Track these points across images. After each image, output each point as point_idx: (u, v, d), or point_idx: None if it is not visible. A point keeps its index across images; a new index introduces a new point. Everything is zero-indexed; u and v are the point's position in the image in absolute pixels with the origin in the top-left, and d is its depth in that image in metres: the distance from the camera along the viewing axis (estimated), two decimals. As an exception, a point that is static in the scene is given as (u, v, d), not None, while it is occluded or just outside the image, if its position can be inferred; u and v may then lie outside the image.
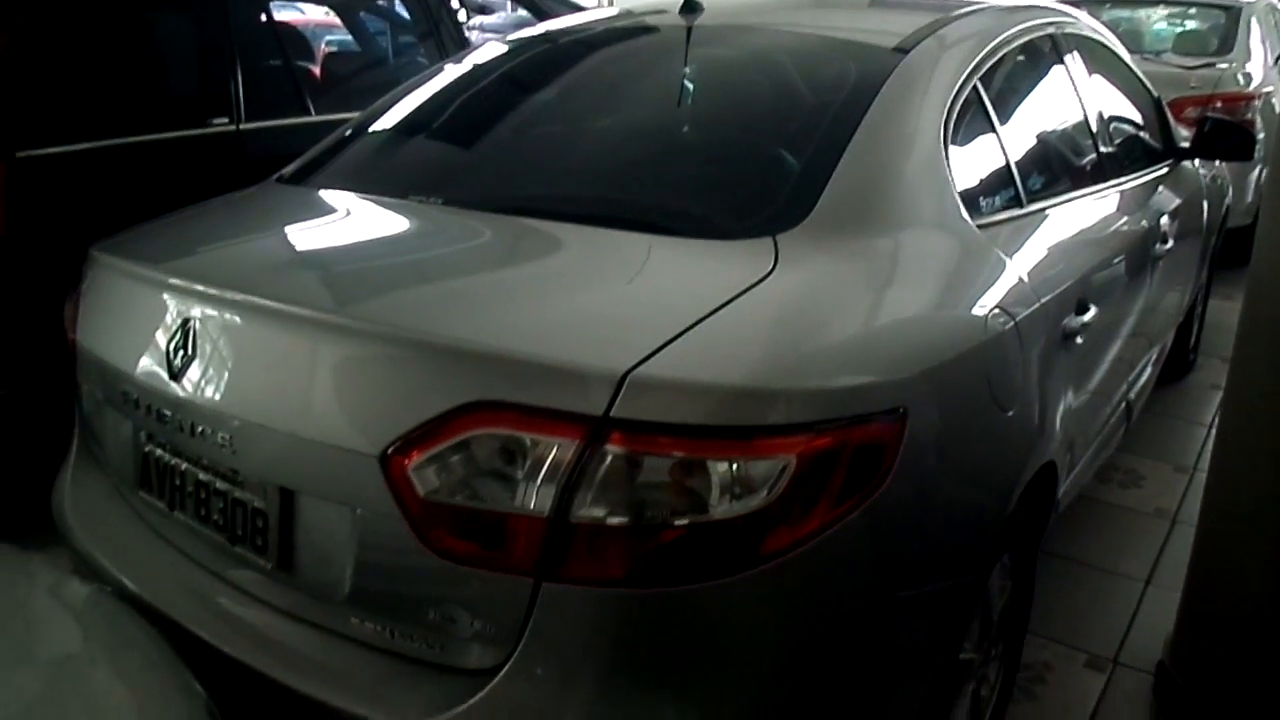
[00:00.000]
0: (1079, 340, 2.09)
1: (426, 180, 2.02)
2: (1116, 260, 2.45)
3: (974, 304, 1.70)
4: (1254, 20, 5.62)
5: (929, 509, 1.51)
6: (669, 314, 1.34)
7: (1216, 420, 3.93)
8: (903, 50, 1.99)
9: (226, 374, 1.51)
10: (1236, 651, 2.19)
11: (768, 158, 1.85)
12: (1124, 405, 2.91)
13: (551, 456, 1.23)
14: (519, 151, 2.12)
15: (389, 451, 1.30)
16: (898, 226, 1.69)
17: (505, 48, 2.57)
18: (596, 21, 2.67)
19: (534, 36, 2.60)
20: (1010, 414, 1.73)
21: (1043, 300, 1.90)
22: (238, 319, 1.53)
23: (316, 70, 4.22)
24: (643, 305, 1.43)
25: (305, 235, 1.86)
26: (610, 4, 8.51)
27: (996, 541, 1.75)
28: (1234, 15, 5.58)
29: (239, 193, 2.19)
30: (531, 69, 2.45)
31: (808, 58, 2.17)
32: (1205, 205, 3.73)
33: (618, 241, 1.64)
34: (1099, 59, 2.90)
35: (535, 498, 1.24)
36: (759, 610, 1.30)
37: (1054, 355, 1.97)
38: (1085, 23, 2.87)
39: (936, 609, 1.61)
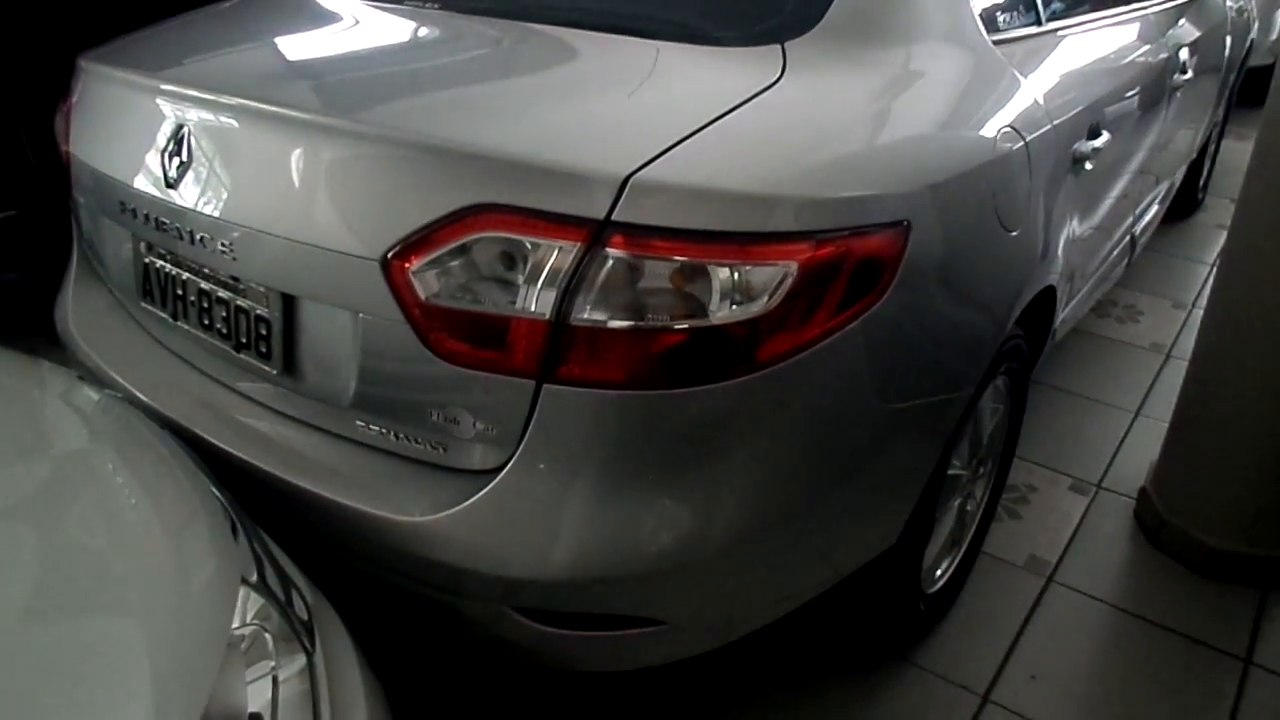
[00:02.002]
0: (1088, 166, 2.06)
1: None
2: (1133, 88, 2.39)
3: (984, 121, 1.66)
4: None
5: (926, 324, 1.53)
6: (673, 120, 1.32)
7: (1216, 259, 3.95)
8: None
9: (225, 181, 1.50)
10: (1215, 477, 2.25)
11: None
12: (1128, 239, 2.90)
13: (552, 259, 1.23)
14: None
15: (390, 255, 1.30)
16: (910, 38, 1.63)
17: None
18: None
19: None
20: (1014, 234, 1.72)
21: (1055, 122, 1.87)
22: (235, 124, 1.50)
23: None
24: (646, 111, 1.40)
25: (302, 41, 1.81)
26: None
27: (991, 362, 1.77)
28: None
29: (230, 1, 2.12)
30: None
31: None
32: (1228, 39, 3.61)
33: (622, 48, 1.59)
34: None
35: (536, 300, 1.24)
36: (755, 413, 1.32)
37: (1062, 179, 1.94)
38: None
39: (928, 422, 1.65)
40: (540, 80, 1.54)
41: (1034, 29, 1.99)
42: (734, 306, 1.24)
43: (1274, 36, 5.08)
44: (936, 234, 1.48)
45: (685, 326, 1.24)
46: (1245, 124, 4.98)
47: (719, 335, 1.25)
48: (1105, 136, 2.10)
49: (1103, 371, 3.10)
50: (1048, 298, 2.02)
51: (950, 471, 1.83)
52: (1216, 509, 2.26)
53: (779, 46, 1.51)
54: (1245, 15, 3.98)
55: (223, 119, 1.51)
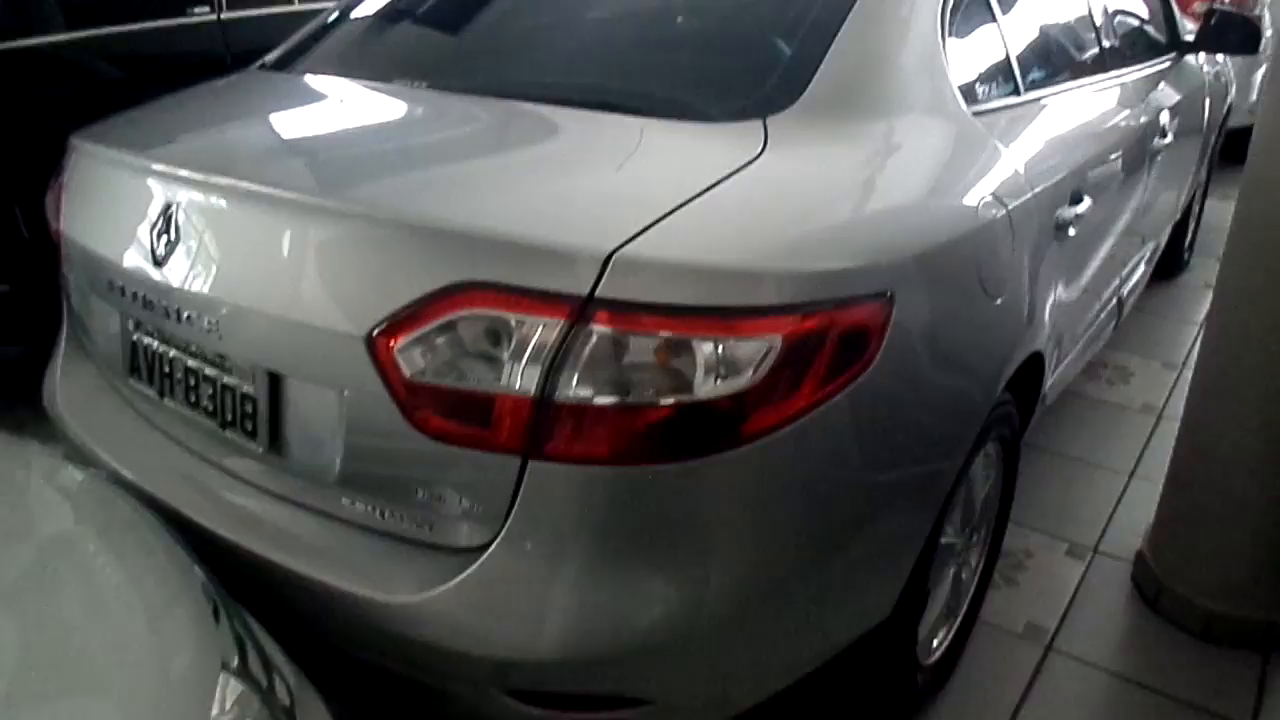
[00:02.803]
0: (1072, 231, 2.08)
1: (412, 64, 1.98)
2: (1113, 153, 2.43)
3: (966, 191, 1.68)
4: (1267, -91, 5.46)
5: (913, 394, 1.53)
6: (656, 195, 1.33)
7: (1205, 320, 3.97)
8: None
9: (212, 259, 1.50)
10: (1212, 540, 2.24)
11: (759, 40, 1.80)
12: (1115, 301, 2.91)
13: (537, 336, 1.23)
14: (506, 34, 2.06)
15: (375, 333, 1.30)
16: (891, 111, 1.66)
17: None
18: None
19: None
20: (998, 302, 1.72)
21: (1036, 190, 1.89)
22: (222, 203, 1.51)
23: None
24: (630, 187, 1.42)
25: (288, 120, 1.83)
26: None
27: (981, 430, 1.76)
28: (1247, -96, 5.41)
29: (221, 80, 2.15)
30: None
31: None
32: (1207, 102, 3.67)
33: (606, 124, 1.61)
34: (1104, -55, 2.82)
35: (521, 378, 1.24)
36: (743, 489, 1.31)
37: (1046, 245, 1.96)
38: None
39: (918, 493, 1.64)
40: (524, 157, 1.56)
41: (1013, 99, 2.02)
42: (719, 381, 1.24)
43: (1252, 98, 5.17)
44: (921, 304, 1.48)
45: (670, 402, 1.24)
46: (1228, 184, 5.04)
47: (704, 410, 1.25)
48: (1087, 202, 2.13)
49: (1095, 434, 3.09)
50: (1036, 363, 2.03)
51: (943, 540, 1.81)
52: (1213, 572, 2.24)
53: (760, 122, 1.53)
54: (1223, 79, 4.06)
55: (210, 198, 1.52)
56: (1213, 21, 3.26)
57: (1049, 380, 2.25)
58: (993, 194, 1.72)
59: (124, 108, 2.02)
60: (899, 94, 1.69)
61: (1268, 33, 4.73)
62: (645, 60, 1.85)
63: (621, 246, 1.22)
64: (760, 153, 1.46)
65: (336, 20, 2.27)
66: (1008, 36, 2.07)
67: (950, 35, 1.83)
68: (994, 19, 2.05)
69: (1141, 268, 3.26)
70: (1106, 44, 2.63)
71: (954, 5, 1.88)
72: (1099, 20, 2.60)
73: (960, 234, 1.60)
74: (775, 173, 1.44)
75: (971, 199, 1.67)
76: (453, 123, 1.74)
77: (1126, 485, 2.83)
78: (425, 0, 2.27)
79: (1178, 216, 3.79)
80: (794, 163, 1.49)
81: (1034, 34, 2.29)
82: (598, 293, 1.21)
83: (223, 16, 3.45)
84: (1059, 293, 2.12)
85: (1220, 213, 4.92)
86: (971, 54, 1.94)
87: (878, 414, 1.45)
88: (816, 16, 1.73)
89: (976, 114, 1.84)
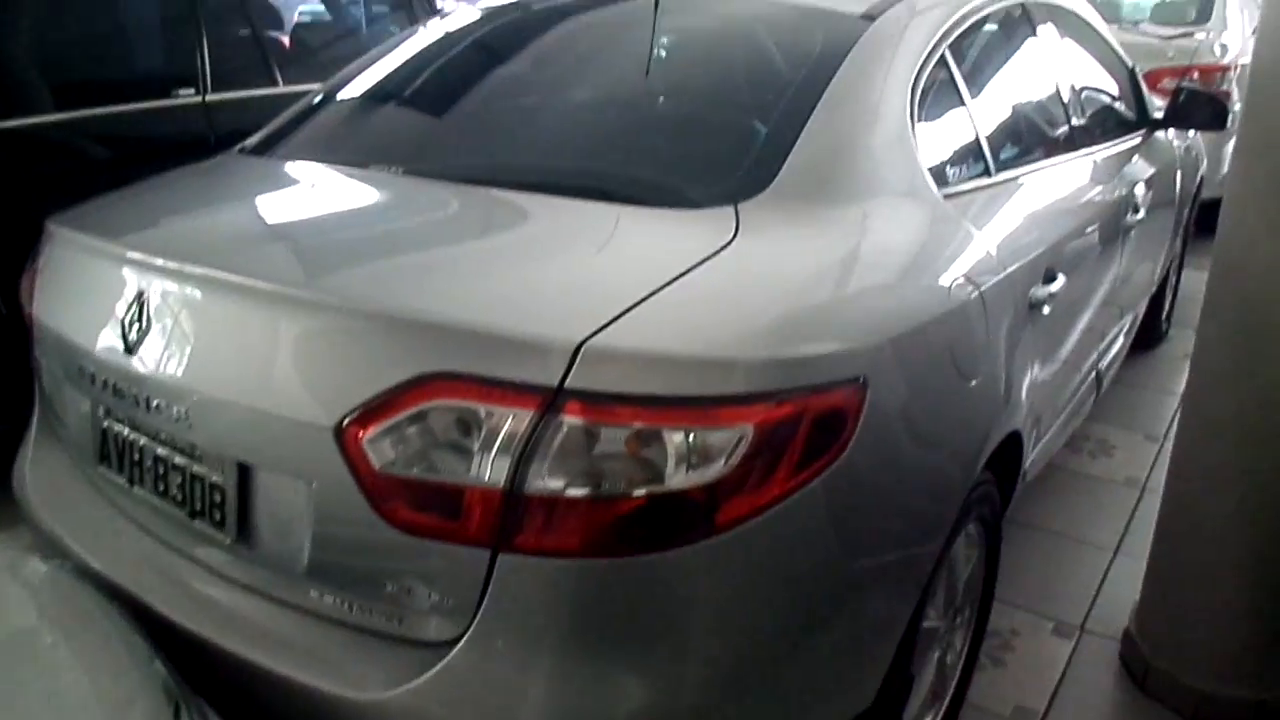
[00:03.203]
0: (1046, 310, 2.09)
1: (389, 149, 2.00)
2: (1086, 230, 2.46)
3: (938, 273, 1.70)
4: (1232, -10, 5.63)
5: (890, 478, 1.52)
6: (627, 283, 1.33)
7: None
8: (869, 17, 1.97)
9: (182, 348, 1.49)
10: (1197, 618, 2.21)
11: (730, 126, 1.83)
12: (1094, 375, 2.92)
13: (507, 428, 1.22)
14: (482, 120, 2.09)
15: (344, 423, 1.29)
16: (862, 195, 1.68)
17: (471, 16, 2.54)
18: None
19: (501, 5, 2.57)
20: (974, 383, 1.73)
21: (1009, 270, 1.90)
22: (193, 292, 1.51)
23: (286, 41, 4.17)
24: (601, 275, 1.42)
25: (263, 207, 1.84)
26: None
27: (960, 511, 1.75)
28: (1212, -15, 5.58)
29: (200, 164, 2.16)
30: (496, 37, 2.42)
31: (774, 25, 2.15)
32: (1179, 176, 3.73)
33: (577, 211, 1.62)
34: (1072, 28, 2.89)
35: (491, 469, 1.23)
36: (717, 580, 1.29)
37: (1020, 325, 1.97)
38: (1057, -8, 2.85)
39: (898, 578, 1.62)
40: (496, 245, 1.57)
41: (984, 180, 2.04)
42: (690, 471, 1.23)
43: (1223, 172, 5.26)
44: (895, 388, 1.48)
45: (642, 493, 1.22)
46: (1203, 254, 5.11)
47: (676, 500, 1.24)
48: (1061, 280, 2.14)
49: (1079, 508, 3.08)
50: (1014, 442, 2.02)
51: (926, 624, 1.79)
52: (1200, 651, 2.21)
53: (732, 208, 1.55)
54: (1193, 153, 4.13)
55: (181, 287, 1.52)
56: (1181, 99, 3.33)
57: (1029, 458, 2.24)
58: (965, 276, 1.73)
59: (110, 188, 2.03)
60: (870, 178, 1.71)
61: (1236, 108, 4.83)
62: (617, 147, 1.87)
63: (591, 337, 1.22)
64: (732, 239, 1.47)
65: (317, 105, 2.29)
66: (976, 118, 2.10)
67: (919, 118, 1.86)
68: (962, 101, 2.08)
69: (1120, 340, 3.28)
70: (1076, 122, 2.67)
71: (923, 89, 1.91)
72: (1068, 99, 2.65)
73: (933, 317, 1.61)
74: (746, 259, 1.45)
75: (944, 281, 1.68)
76: (425, 210, 1.75)
77: (1112, 561, 2.81)
78: (403, 86, 2.31)
79: (1154, 288, 3.82)
80: (765, 249, 1.50)
81: (1003, 114, 2.34)
82: (568, 383, 1.21)
83: (208, 99, 3.49)
84: (1035, 370, 2.12)
85: (1197, 283, 4.97)
86: (941, 136, 1.98)
87: (854, 500, 1.44)
88: (787, 102, 1.76)
89: (948, 196, 1.86)
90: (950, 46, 2.06)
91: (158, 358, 1.51)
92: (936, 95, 1.98)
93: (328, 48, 4.39)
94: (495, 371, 1.23)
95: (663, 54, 2.07)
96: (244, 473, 1.44)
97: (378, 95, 2.29)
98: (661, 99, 2.00)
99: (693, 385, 1.23)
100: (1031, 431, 2.20)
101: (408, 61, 2.35)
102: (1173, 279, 4.37)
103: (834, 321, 1.44)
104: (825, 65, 1.81)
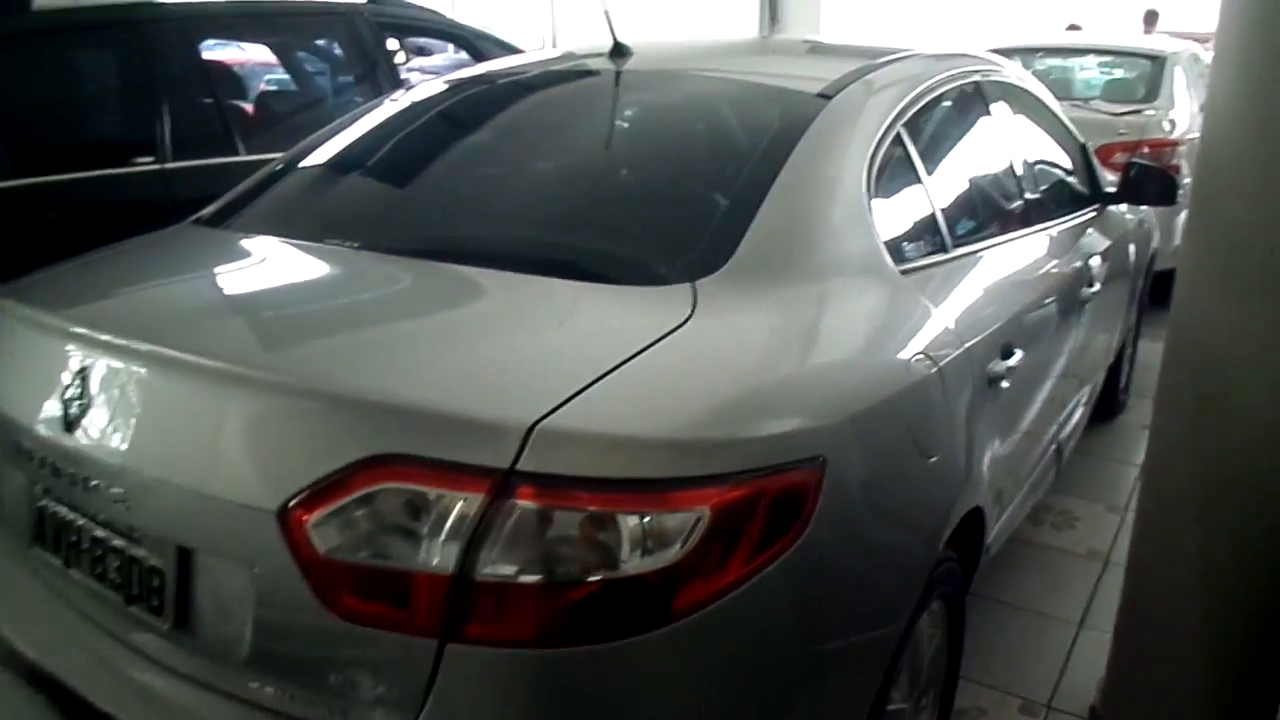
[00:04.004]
0: (1004, 384, 2.09)
1: (343, 224, 1.98)
2: (1042, 304, 2.48)
3: (896, 351, 1.69)
4: (1178, 69, 5.80)
5: (850, 559, 1.49)
6: (580, 363, 1.31)
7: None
8: (826, 96, 1.99)
9: (124, 426, 1.45)
10: (1165, 694, 2.19)
11: (688, 204, 1.83)
12: (1054, 448, 2.93)
13: (456, 512, 1.19)
14: (438, 195, 2.08)
15: (287, 507, 1.24)
16: (819, 273, 1.68)
17: (429, 91, 2.54)
18: (525, 65, 2.66)
19: (458, 80, 2.58)
20: (933, 460, 1.71)
21: (967, 345, 1.90)
22: (136, 368, 1.47)
23: (249, 109, 4.16)
24: (554, 354, 1.40)
25: (213, 281, 1.81)
26: (554, 45, 8.57)
27: (923, 590, 1.73)
28: (1159, 64, 5.75)
29: (153, 235, 2.13)
30: (456, 112, 2.42)
31: (732, 103, 2.17)
32: (1132, 249, 3.80)
33: (532, 288, 1.61)
34: (1024, 105, 2.95)
35: (439, 555, 1.19)
36: (674, 669, 1.25)
37: (979, 400, 1.96)
38: (1011, 71, 2.92)
39: (861, 660, 1.59)
40: (448, 323, 1.54)
41: (941, 256, 2.05)
42: (646, 556, 1.20)
43: (1175, 243, 5.38)
44: (854, 467, 1.46)
45: (596, 579, 1.19)
46: (1158, 325, 5.19)
47: (632, 586, 1.20)
48: (1018, 354, 2.15)
49: (1042, 582, 3.06)
50: (976, 518, 2.01)
51: (890, 707, 1.75)
52: (1168, 729, 2.18)
53: (689, 286, 1.54)
54: (1146, 225, 4.21)
55: (124, 363, 1.48)
56: (1132, 174, 3.40)
57: (991, 533, 2.23)
58: (923, 352, 1.73)
59: (63, 257, 1.99)
60: (827, 255, 1.72)
61: (1185, 182, 4.95)
62: (574, 222, 1.87)
63: (544, 418, 1.19)
64: (688, 317, 1.46)
65: (274, 176, 2.28)
66: (933, 194, 2.12)
67: (876, 196, 1.87)
68: (919, 178, 2.10)
69: (1079, 412, 3.30)
70: (1031, 198, 2.71)
71: (879, 166, 1.93)
72: (1022, 175, 2.69)
73: (892, 394, 1.60)
74: (703, 338, 1.44)
75: (902, 358, 1.68)
76: (378, 286, 1.72)
77: (1076, 636, 2.79)
78: (361, 159, 2.30)
79: (1111, 359, 3.86)
80: (723, 327, 1.48)
81: (959, 191, 2.36)
82: (519, 466, 1.18)
83: (167, 166, 3.47)
84: (996, 445, 2.12)
85: (1153, 353, 5.04)
86: (898, 213, 1.99)
87: (814, 582, 1.41)
88: (745, 180, 1.76)
89: (905, 272, 1.87)
90: (906, 124, 2.09)
91: (98, 436, 1.46)
92: (893, 172, 2.00)
93: (292, 116, 4.39)
94: (445, 454, 1.20)
95: (622, 130, 2.09)
96: (184, 557, 1.39)
97: (335, 168, 2.28)
98: (620, 175, 2.01)
99: (648, 467, 1.21)
100: (994, 507, 2.19)
101: (366, 134, 2.35)
102: (1129, 350, 4.42)
103: (792, 400, 1.43)
104: (782, 143, 1.83)
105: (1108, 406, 4.22)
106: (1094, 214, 3.27)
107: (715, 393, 1.36)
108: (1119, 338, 3.87)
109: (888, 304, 1.78)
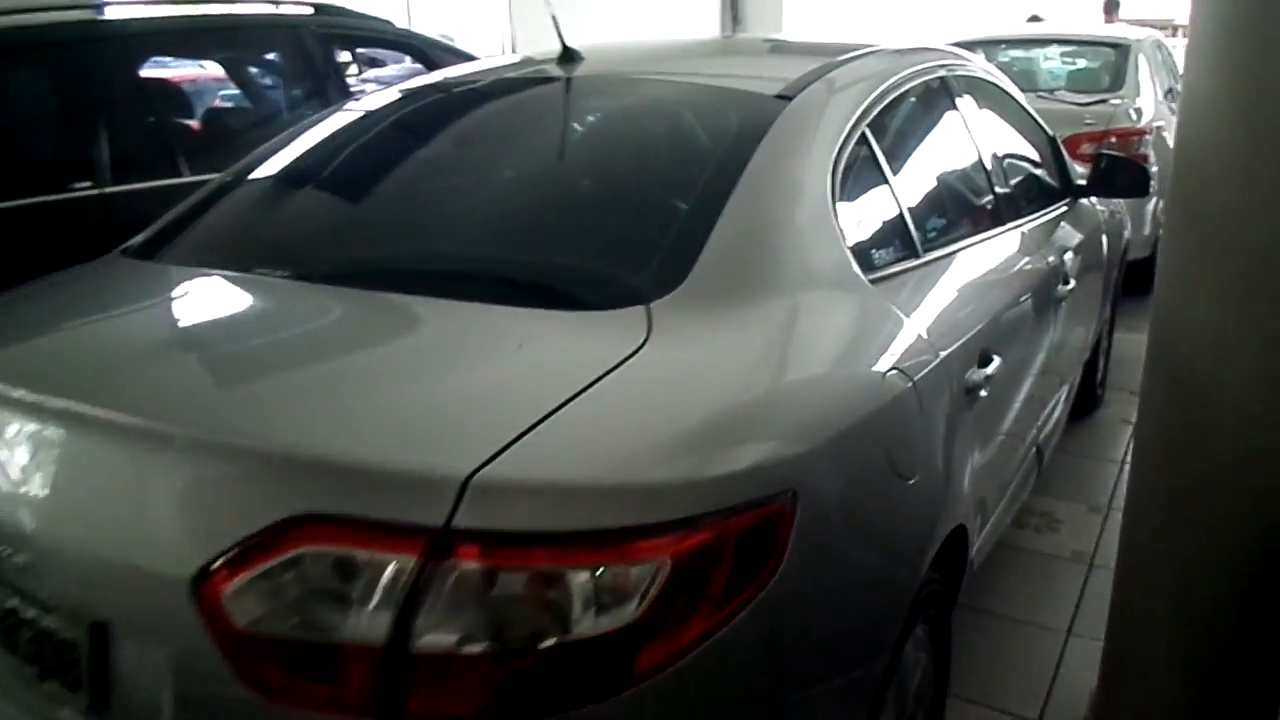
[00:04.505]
0: (984, 393, 1.99)
1: (275, 252, 1.84)
2: (1019, 306, 2.39)
3: (868, 368, 1.59)
4: (1142, 57, 5.75)
5: (828, 596, 1.38)
6: (522, 403, 1.19)
7: (1125, 457, 3.94)
8: (786, 97, 1.88)
9: (33, 487, 1.32)
10: (1157, 703, 2.10)
11: (639, 219, 1.71)
12: (1035, 451, 2.84)
13: (387, 576, 1.07)
14: (375, 217, 1.95)
15: (202, 575, 1.12)
16: (784, 288, 1.57)
17: (365, 106, 2.40)
18: (468, 75, 2.51)
19: (395, 94, 2.43)
20: (913, 481, 1.61)
21: (942, 356, 1.80)
22: (44, 424, 1.34)
23: (193, 128, 4.01)
24: (493, 394, 1.28)
25: (130, 324, 1.68)
26: (512, 50, 8.44)
27: (907, 618, 1.62)
28: (1123, 53, 5.70)
29: (77, 269, 1.99)
30: (390, 128, 2.29)
31: (685, 108, 2.06)
32: (1105, 240, 3.73)
33: (471, 317, 1.49)
34: (993, 100, 2.86)
35: (370, 624, 1.07)
36: (638, 737, 1.14)
37: (958, 413, 1.87)
38: (977, 65, 2.83)
39: (845, 700, 1.48)
40: (379, 363, 1.42)
41: (912, 261, 1.95)
42: (601, 615, 1.08)
43: (1146, 232, 5.33)
44: (829, 497, 1.36)
45: (546, 644, 1.07)
46: (1131, 315, 5.14)
47: (587, 650, 1.09)
48: (996, 361, 2.05)
49: (1027, 588, 2.97)
50: (960, 535, 1.91)
51: (876, 743, 1.65)
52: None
53: (643, 308, 1.42)
54: (1118, 216, 4.15)
55: (31, 419, 1.35)
56: (1102, 165, 3.33)
57: (974, 547, 2.13)
58: (897, 368, 1.63)
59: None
60: (792, 268, 1.61)
61: (1154, 170, 4.90)
62: (515, 244, 1.74)
63: (481, 467, 1.08)
64: (643, 344, 1.34)
65: (208, 200, 2.14)
66: (901, 196, 2.02)
67: (842, 200, 1.77)
68: (885, 180, 2.00)
69: (1059, 412, 3.22)
70: (1002, 195, 2.62)
71: (844, 170, 1.82)
72: (993, 171, 2.60)
73: (866, 416, 1.50)
74: (660, 367, 1.32)
75: (875, 377, 1.57)
76: (306, 322, 1.59)
77: (1065, 644, 2.70)
78: (293, 181, 2.16)
79: (1088, 355, 3.79)
80: (680, 353, 1.37)
81: (928, 191, 2.27)
82: (455, 522, 1.06)
83: (107, 190, 3.32)
84: (976, 457, 2.02)
85: (1128, 345, 4.97)
86: (865, 218, 1.89)
87: (790, 625, 1.30)
88: (701, 191, 1.65)
89: (875, 281, 1.76)
90: (871, 124, 1.99)
91: (4, 498, 1.33)
92: (858, 175, 1.90)
93: (238, 134, 4.24)
94: (374, 511, 1.08)
95: (568, 141, 1.97)
96: (99, 630, 1.26)
97: (269, 190, 2.14)
98: (566, 190, 1.88)
99: (599, 516, 1.10)
100: (976, 520, 2.09)
101: (301, 154, 2.21)
102: (1105, 344, 4.36)
103: (758, 431, 1.31)
104: (740, 150, 1.72)
105: (1085, 402, 4.15)
106: (1066, 208, 3.19)
107: (673, 428, 1.24)
108: (1095, 332, 3.80)
109: (858, 318, 1.67)
